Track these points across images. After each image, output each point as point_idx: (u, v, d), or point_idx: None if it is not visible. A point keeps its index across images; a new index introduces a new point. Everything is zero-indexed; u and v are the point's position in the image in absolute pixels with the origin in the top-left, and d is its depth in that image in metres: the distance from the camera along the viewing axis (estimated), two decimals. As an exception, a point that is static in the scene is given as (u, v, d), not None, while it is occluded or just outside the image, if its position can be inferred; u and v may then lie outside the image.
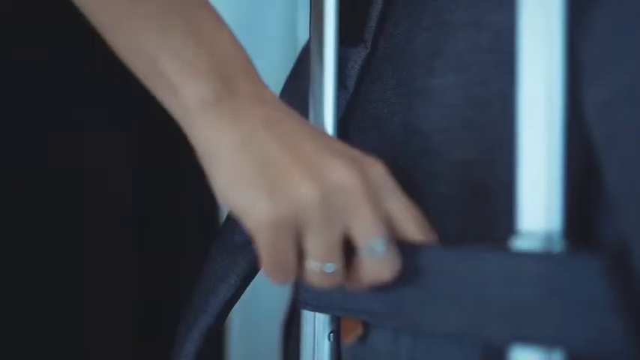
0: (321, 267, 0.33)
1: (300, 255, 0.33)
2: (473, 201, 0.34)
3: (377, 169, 0.33)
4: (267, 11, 0.91)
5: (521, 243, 0.29)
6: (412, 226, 0.33)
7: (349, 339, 0.38)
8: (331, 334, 0.40)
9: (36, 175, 0.49)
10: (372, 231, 0.32)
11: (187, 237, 0.60)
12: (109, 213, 0.53)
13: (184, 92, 0.33)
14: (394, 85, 0.39)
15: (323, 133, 0.35)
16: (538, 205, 0.29)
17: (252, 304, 0.61)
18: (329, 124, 0.39)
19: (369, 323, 0.37)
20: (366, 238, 0.32)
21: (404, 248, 0.33)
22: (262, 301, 0.70)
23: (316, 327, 0.40)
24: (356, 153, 0.34)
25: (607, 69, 0.28)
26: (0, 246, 0.47)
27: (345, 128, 0.41)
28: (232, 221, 0.45)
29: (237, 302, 0.43)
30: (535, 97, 0.29)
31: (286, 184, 0.31)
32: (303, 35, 0.82)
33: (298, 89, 0.42)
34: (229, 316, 0.44)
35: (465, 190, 0.35)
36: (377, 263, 0.32)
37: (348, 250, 0.33)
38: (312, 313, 0.40)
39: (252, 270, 0.42)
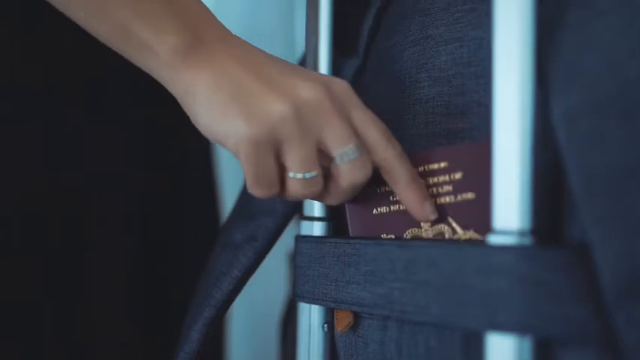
0: (301, 177, 0.36)
1: (282, 172, 0.37)
2: None
3: (341, 86, 0.37)
4: (265, 20, 0.93)
5: (496, 239, 0.32)
6: (376, 133, 0.37)
7: (341, 328, 0.40)
8: (325, 325, 0.42)
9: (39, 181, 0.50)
10: (343, 139, 0.36)
11: (189, 237, 0.61)
12: (112, 215, 0.54)
13: (158, 49, 0.36)
14: (385, 94, 0.42)
15: (288, 62, 0.38)
16: (511, 206, 0.31)
17: (252, 298, 0.63)
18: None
19: (360, 314, 0.40)
20: (338, 146, 0.36)
21: (393, 243, 0.36)
22: (262, 295, 0.71)
23: (311, 318, 0.42)
24: (321, 75, 0.38)
25: (570, 83, 0.31)
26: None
27: None
28: (233, 222, 0.47)
29: (239, 296, 0.45)
30: (508, 108, 0.32)
31: (259, 106, 0.34)
32: (300, 40, 0.84)
33: None
34: (230, 308, 0.46)
35: None
36: (351, 167, 0.36)
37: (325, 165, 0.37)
38: (308, 305, 0.42)
39: (251, 266, 0.44)
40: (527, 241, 0.31)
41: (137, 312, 0.56)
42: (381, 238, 0.39)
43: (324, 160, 0.37)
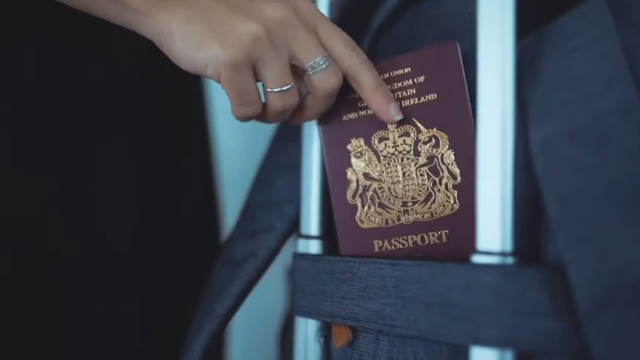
0: (279, 90, 0.39)
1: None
2: None
3: (305, 4, 0.40)
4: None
5: (479, 259, 0.34)
6: (341, 43, 0.40)
7: (340, 344, 0.42)
8: (322, 339, 0.44)
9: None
10: (311, 51, 0.39)
11: (189, 238, 0.62)
12: (114, 217, 0.55)
13: (143, 9, 0.38)
14: None
15: None
16: (493, 229, 0.34)
17: (251, 313, 0.64)
18: (318, 158, 0.45)
19: (356, 329, 0.42)
20: (308, 58, 0.39)
21: (384, 261, 0.39)
22: (261, 310, 0.73)
23: (308, 332, 0.44)
24: None
25: (547, 113, 0.33)
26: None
27: None
28: (233, 240, 0.50)
29: (239, 310, 0.47)
30: (491, 133, 0.34)
31: (233, 30, 0.37)
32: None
33: (292, 127, 0.47)
34: (231, 322, 0.48)
35: None
36: (322, 76, 0.40)
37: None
38: (305, 319, 0.44)
39: (251, 281, 0.46)
40: (509, 261, 0.33)
41: (139, 317, 0.57)
42: (374, 256, 0.41)
43: (298, 77, 0.40)
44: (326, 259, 0.42)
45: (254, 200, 0.50)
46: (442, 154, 0.39)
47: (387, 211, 0.41)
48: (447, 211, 0.39)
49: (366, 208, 0.42)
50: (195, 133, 0.66)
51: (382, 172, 0.41)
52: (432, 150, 0.39)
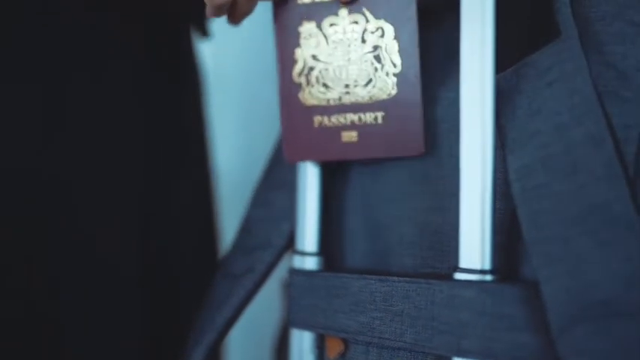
0: None
1: None
2: (430, 241, 0.42)
3: None
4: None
5: (461, 276, 0.37)
6: None
7: (333, 355, 0.45)
8: (316, 350, 0.47)
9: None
10: None
11: (184, 242, 0.64)
12: (110, 218, 0.56)
13: None
14: None
15: None
16: (474, 249, 0.37)
17: (249, 324, 0.66)
18: (313, 178, 0.47)
19: (348, 341, 0.44)
20: None
21: (374, 277, 0.41)
22: (257, 322, 0.75)
23: (303, 343, 0.47)
24: None
25: (524, 143, 0.36)
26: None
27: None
28: (232, 256, 0.52)
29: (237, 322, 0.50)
30: (473, 161, 0.37)
31: None
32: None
33: None
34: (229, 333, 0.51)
35: (424, 232, 0.43)
36: None
37: None
38: (300, 331, 0.47)
39: (249, 294, 0.49)
40: (488, 278, 0.36)
41: (135, 329, 0.58)
42: (366, 273, 0.44)
43: None
44: (321, 275, 0.45)
45: (252, 217, 0.53)
46: (386, 44, 0.43)
47: (330, 91, 0.44)
48: (384, 96, 0.43)
49: (309, 87, 0.45)
50: (194, 149, 0.68)
51: (329, 54, 0.44)
52: (378, 40, 0.43)
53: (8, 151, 0.52)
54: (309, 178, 0.47)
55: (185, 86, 0.66)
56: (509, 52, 0.38)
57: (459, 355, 0.36)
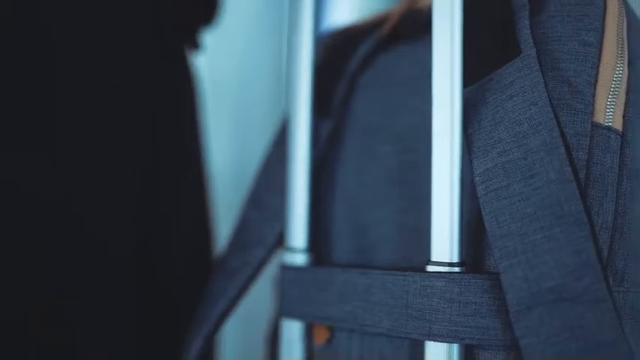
0: None
1: None
2: (407, 238, 0.47)
3: None
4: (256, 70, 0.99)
5: (432, 268, 0.41)
6: None
7: (320, 341, 0.49)
8: (305, 338, 0.51)
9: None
10: None
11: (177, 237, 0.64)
12: (107, 218, 0.56)
13: None
14: (356, 151, 0.51)
15: None
16: (444, 244, 0.41)
17: (243, 317, 0.69)
18: (302, 181, 0.51)
19: (333, 328, 0.49)
20: None
21: (357, 270, 0.46)
22: (252, 314, 0.78)
23: (292, 333, 0.51)
24: None
25: (487, 150, 0.41)
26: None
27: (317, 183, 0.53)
28: (228, 252, 0.57)
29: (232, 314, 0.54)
30: (443, 166, 0.42)
31: None
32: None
33: (279, 155, 0.55)
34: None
35: (402, 231, 0.47)
36: None
37: None
38: (289, 321, 0.51)
39: (244, 288, 0.53)
40: (456, 270, 0.41)
41: (132, 320, 0.58)
42: (349, 266, 0.48)
43: None
44: (310, 270, 0.49)
45: (247, 216, 0.57)
46: None
47: None
48: None
49: None
50: (190, 151, 0.69)
51: None
52: None
53: (8, 151, 0.53)
54: (299, 178, 0.51)
55: (181, 90, 0.67)
56: (476, 68, 0.43)
57: (430, 339, 0.40)
